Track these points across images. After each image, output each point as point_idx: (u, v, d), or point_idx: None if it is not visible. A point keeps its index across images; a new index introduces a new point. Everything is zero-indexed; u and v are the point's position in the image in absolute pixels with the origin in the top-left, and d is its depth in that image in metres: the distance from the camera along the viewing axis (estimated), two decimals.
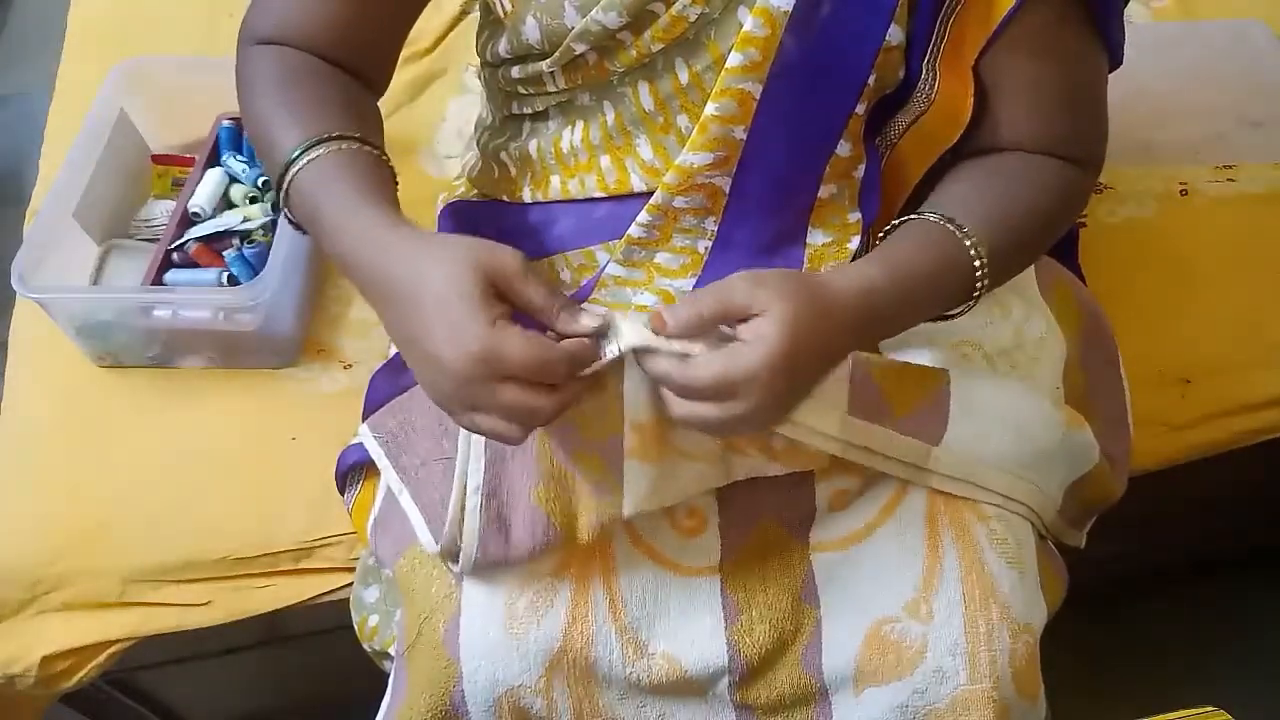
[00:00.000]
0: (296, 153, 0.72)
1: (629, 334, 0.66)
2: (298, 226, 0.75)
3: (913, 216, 0.77)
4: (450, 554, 0.78)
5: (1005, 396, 0.83)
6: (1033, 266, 0.92)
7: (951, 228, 0.75)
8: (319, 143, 0.72)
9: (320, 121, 0.74)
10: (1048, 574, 0.86)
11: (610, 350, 0.66)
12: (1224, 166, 1.31)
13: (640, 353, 0.67)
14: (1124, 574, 1.35)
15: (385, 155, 0.76)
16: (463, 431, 0.77)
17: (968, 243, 0.74)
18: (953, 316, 0.79)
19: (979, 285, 0.75)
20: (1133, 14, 1.43)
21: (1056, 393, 0.87)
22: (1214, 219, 1.27)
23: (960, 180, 0.81)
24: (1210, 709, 0.73)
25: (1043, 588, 0.84)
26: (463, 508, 0.77)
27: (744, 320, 0.65)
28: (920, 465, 0.81)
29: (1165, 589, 1.46)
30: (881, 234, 0.79)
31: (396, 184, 0.75)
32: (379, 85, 0.86)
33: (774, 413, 0.67)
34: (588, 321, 0.65)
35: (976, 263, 0.74)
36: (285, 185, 0.73)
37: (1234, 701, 0.75)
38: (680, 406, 0.66)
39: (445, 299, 0.62)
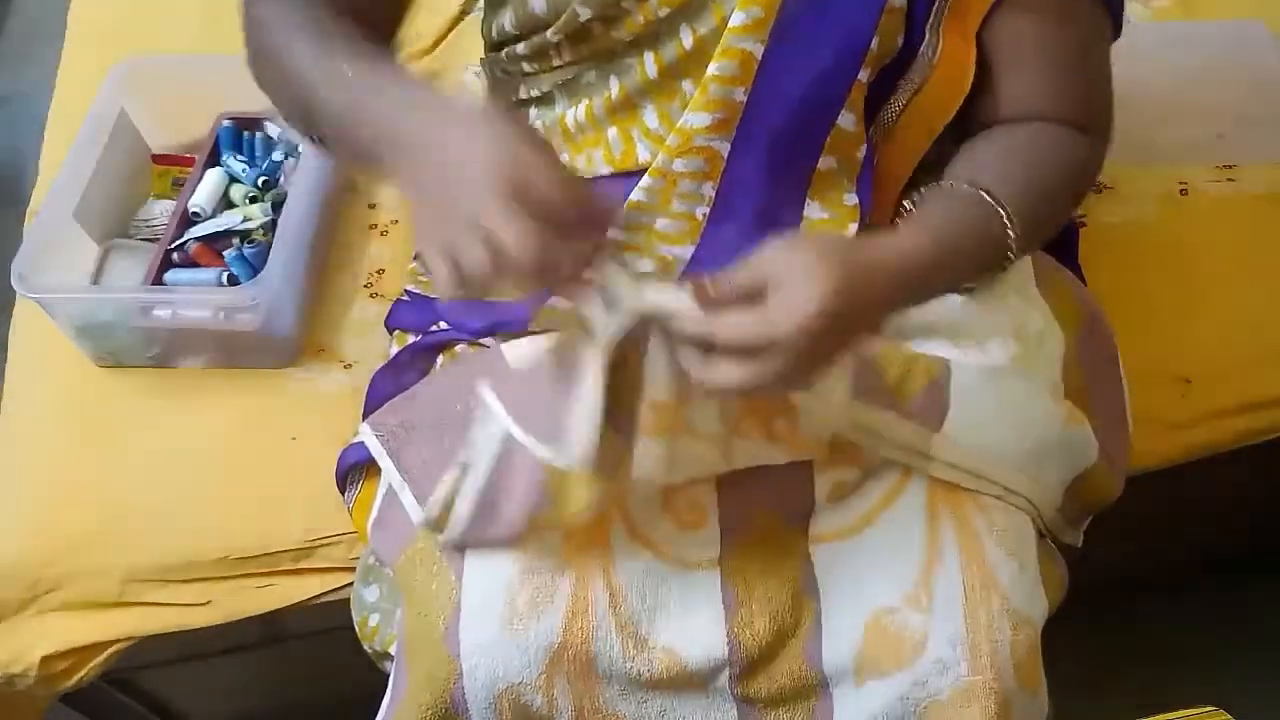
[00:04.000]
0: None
1: (651, 295, 0.64)
2: (323, 147, 0.74)
3: (941, 184, 0.77)
4: (439, 524, 0.78)
5: (1004, 388, 0.83)
6: (1031, 265, 0.92)
7: (984, 194, 0.75)
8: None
9: (373, 55, 0.71)
10: (1048, 571, 0.86)
11: (637, 298, 0.64)
12: (1224, 166, 1.31)
13: (667, 319, 0.65)
14: (1124, 574, 1.35)
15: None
16: (485, 391, 0.75)
17: (1000, 210, 0.74)
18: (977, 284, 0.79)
19: (1011, 251, 0.75)
20: (1133, 14, 1.43)
21: (1056, 387, 0.87)
22: (1214, 219, 1.27)
23: (983, 149, 0.81)
24: (1210, 709, 0.73)
25: (1043, 584, 0.84)
26: (467, 469, 0.76)
27: (778, 284, 0.63)
28: (922, 452, 0.81)
29: (1165, 589, 1.46)
30: (910, 202, 0.78)
31: None
32: (392, 36, 0.84)
33: (800, 377, 0.65)
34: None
35: (1010, 229, 0.74)
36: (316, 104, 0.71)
37: (1234, 701, 0.75)
38: (701, 368, 0.64)
39: (485, 124, 0.62)
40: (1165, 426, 1.13)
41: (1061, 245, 1.00)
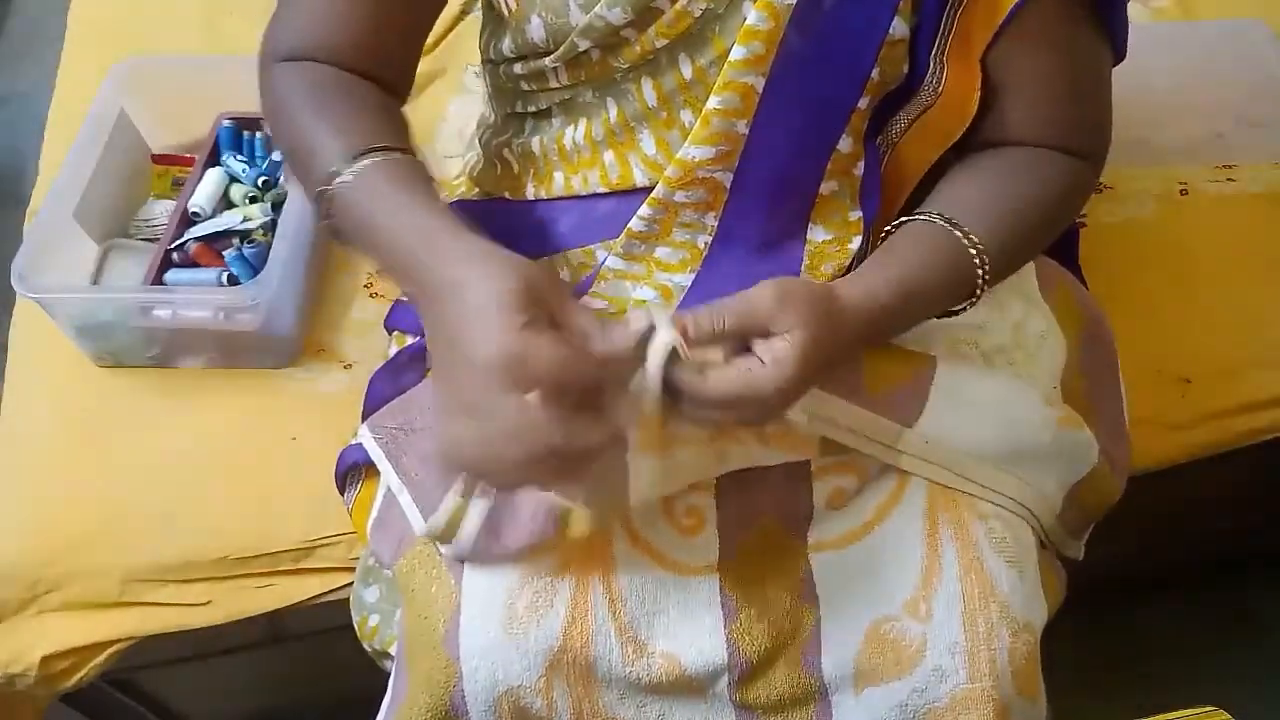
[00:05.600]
0: (341, 162, 0.72)
1: (663, 336, 0.66)
2: (336, 235, 0.75)
3: (915, 217, 0.78)
4: (445, 536, 0.78)
5: (993, 389, 0.83)
6: (1033, 267, 0.92)
7: (955, 231, 0.76)
8: (364, 153, 0.72)
9: (362, 132, 0.74)
10: (1047, 579, 0.86)
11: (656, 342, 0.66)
12: (1224, 166, 1.31)
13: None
14: (1124, 574, 1.35)
15: (424, 162, 0.76)
16: None
17: (970, 246, 0.75)
18: (955, 313, 0.80)
19: (980, 285, 0.77)
20: (1133, 14, 1.42)
21: (1054, 392, 0.87)
22: (1214, 219, 1.27)
23: (962, 178, 0.82)
24: (1210, 709, 0.73)
25: (1043, 589, 0.84)
26: (471, 491, 0.77)
27: (763, 336, 0.67)
28: (890, 445, 0.81)
29: (1165, 589, 1.46)
30: (884, 233, 0.79)
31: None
32: (402, 92, 0.86)
33: (774, 416, 0.70)
34: (625, 333, 0.64)
35: (979, 266, 0.76)
36: (329, 193, 0.72)
37: (1234, 701, 0.75)
38: (690, 408, 0.67)
39: (483, 305, 0.61)
40: (1165, 426, 1.13)
41: (1062, 246, 1.00)
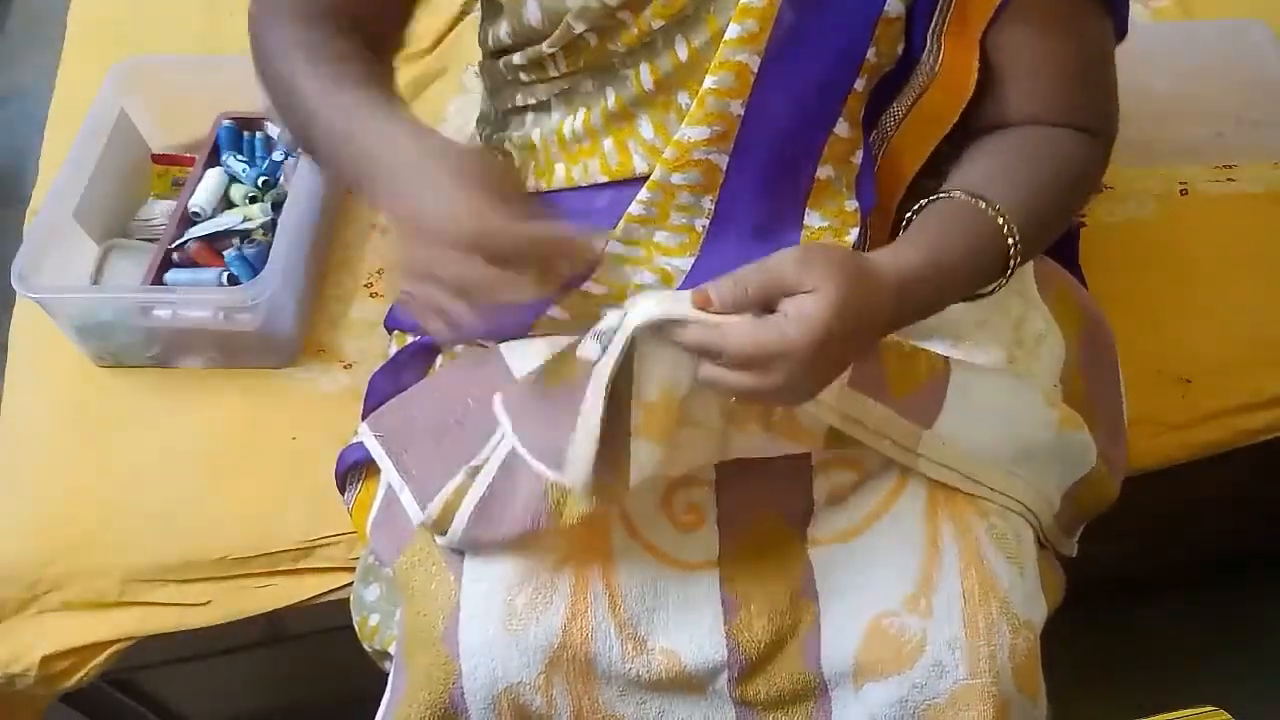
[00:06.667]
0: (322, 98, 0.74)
1: (653, 306, 0.66)
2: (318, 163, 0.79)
3: (941, 195, 0.77)
4: (440, 525, 0.78)
5: (999, 391, 0.83)
6: (1030, 266, 0.92)
7: (983, 205, 0.75)
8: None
9: (349, 74, 0.76)
10: (1047, 577, 0.86)
11: (632, 317, 0.66)
12: (1224, 166, 1.31)
13: (670, 325, 0.66)
14: (1124, 574, 1.35)
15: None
16: (495, 402, 0.78)
17: (1000, 220, 0.74)
18: (987, 294, 0.78)
19: (1012, 261, 0.75)
20: (1133, 14, 1.42)
21: (1054, 391, 0.87)
22: (1214, 219, 1.27)
23: (983, 155, 0.81)
24: (1210, 709, 0.73)
25: (1042, 588, 0.84)
26: (474, 473, 0.77)
27: (788, 295, 0.64)
28: (909, 448, 0.80)
29: (1165, 589, 1.46)
30: (910, 213, 0.78)
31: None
32: (396, 41, 0.88)
33: (805, 391, 0.67)
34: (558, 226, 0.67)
35: (1009, 240, 0.74)
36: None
37: (1234, 701, 0.75)
38: (708, 369, 0.66)
39: (465, 169, 0.66)
40: (1165, 426, 1.13)
41: (1062, 248, 1.00)
